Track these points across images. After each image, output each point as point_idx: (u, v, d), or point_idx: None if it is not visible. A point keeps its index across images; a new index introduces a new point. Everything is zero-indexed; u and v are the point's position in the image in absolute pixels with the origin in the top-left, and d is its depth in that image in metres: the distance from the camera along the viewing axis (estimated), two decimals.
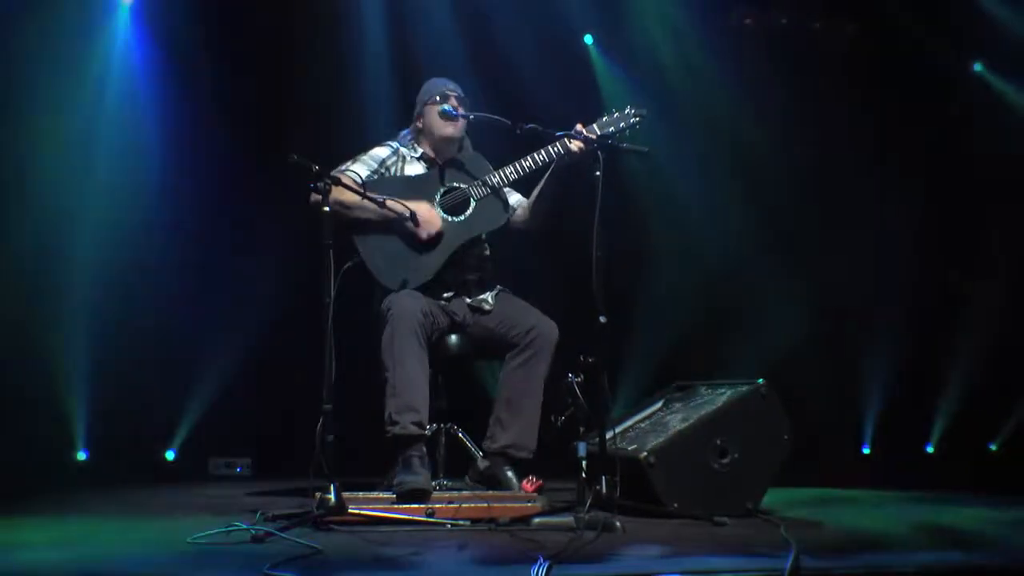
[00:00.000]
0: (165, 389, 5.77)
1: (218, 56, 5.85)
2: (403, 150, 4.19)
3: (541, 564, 2.50)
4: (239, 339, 5.84)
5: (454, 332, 4.01)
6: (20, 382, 5.38)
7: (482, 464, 3.90)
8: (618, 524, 3.21)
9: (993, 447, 6.68)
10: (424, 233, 3.92)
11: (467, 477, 3.97)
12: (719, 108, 6.26)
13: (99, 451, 5.73)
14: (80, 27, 5.66)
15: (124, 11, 5.84)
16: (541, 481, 3.79)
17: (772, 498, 3.88)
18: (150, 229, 5.75)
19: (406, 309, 3.72)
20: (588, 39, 6.58)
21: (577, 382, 3.45)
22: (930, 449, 6.75)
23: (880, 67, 6.51)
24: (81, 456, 5.73)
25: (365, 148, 4.19)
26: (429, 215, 3.94)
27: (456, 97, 4.14)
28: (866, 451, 6.76)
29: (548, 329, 3.91)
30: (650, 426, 4.02)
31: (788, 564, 2.54)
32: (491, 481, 3.81)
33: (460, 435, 4.19)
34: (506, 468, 3.81)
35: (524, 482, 3.77)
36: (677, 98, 6.20)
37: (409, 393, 3.63)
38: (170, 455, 5.96)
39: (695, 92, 6.27)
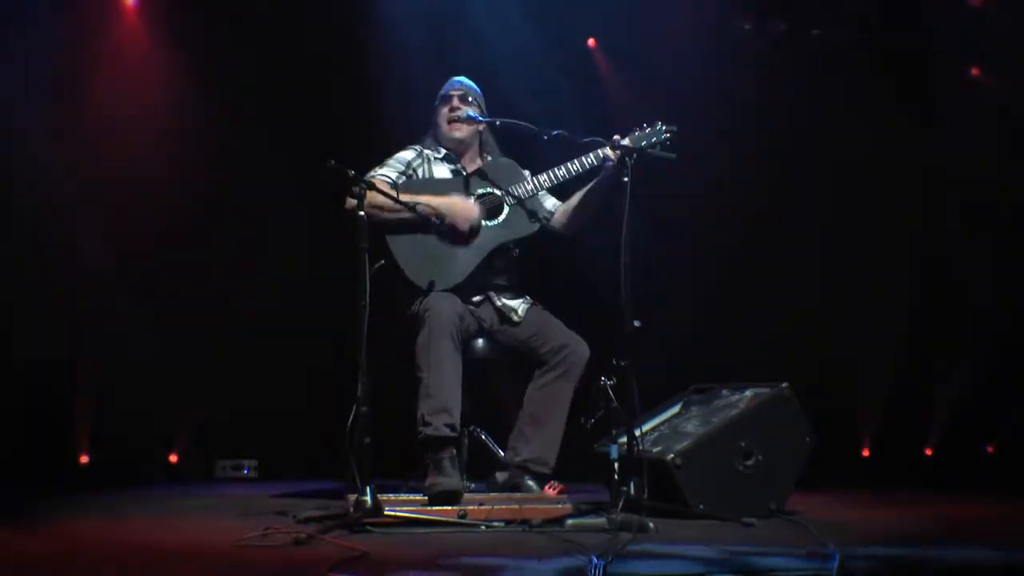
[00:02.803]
0: (169, 391, 5.72)
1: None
2: (427, 151, 4.20)
3: (597, 564, 2.53)
4: (242, 339, 5.83)
5: (481, 337, 4.02)
6: (20, 383, 5.37)
7: (501, 477, 3.88)
8: (651, 525, 3.26)
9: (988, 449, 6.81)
10: (466, 224, 3.91)
11: (487, 488, 3.93)
12: (722, 110, 6.30)
13: (102, 454, 5.70)
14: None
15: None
16: (563, 487, 3.83)
17: None
18: (155, 228, 5.73)
19: (444, 311, 3.71)
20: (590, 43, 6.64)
21: (610, 385, 3.48)
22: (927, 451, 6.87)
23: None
24: (84, 459, 5.71)
25: (389, 152, 4.20)
26: (465, 206, 3.94)
27: (459, 96, 4.14)
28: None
29: (580, 349, 3.91)
30: (671, 429, 4.07)
31: (835, 563, 2.59)
32: (512, 492, 3.79)
33: (483, 437, 4.21)
34: (527, 478, 3.81)
35: (546, 487, 3.81)
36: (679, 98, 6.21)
37: (443, 395, 3.64)
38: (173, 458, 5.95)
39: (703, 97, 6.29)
